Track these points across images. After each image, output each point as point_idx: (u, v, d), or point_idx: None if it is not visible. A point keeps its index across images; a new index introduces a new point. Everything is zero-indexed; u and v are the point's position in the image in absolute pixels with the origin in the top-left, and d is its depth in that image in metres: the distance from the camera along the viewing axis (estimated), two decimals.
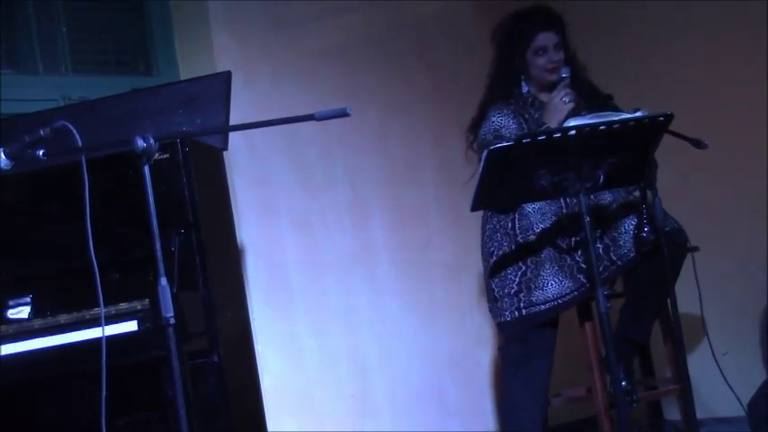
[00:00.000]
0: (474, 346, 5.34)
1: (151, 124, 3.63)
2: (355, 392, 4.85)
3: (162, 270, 2.91)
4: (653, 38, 5.43)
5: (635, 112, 3.71)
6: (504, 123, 4.20)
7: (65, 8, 4.54)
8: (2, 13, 4.40)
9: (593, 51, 4.79)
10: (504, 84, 4.32)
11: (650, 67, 5.40)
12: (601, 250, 4.04)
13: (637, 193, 4.11)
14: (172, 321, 2.91)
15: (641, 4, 5.46)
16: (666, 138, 3.79)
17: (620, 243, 4.05)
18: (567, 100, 4.10)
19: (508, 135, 4.10)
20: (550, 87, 4.25)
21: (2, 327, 3.33)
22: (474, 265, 5.03)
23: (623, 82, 4.88)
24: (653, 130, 3.69)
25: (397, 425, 4.91)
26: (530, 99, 4.31)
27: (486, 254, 4.27)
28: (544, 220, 4.15)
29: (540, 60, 4.26)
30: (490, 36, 4.40)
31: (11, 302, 3.44)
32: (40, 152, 3.03)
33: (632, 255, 4.02)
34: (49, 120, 3.08)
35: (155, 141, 2.91)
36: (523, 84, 4.33)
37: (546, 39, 4.25)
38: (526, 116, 4.25)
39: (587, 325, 4.15)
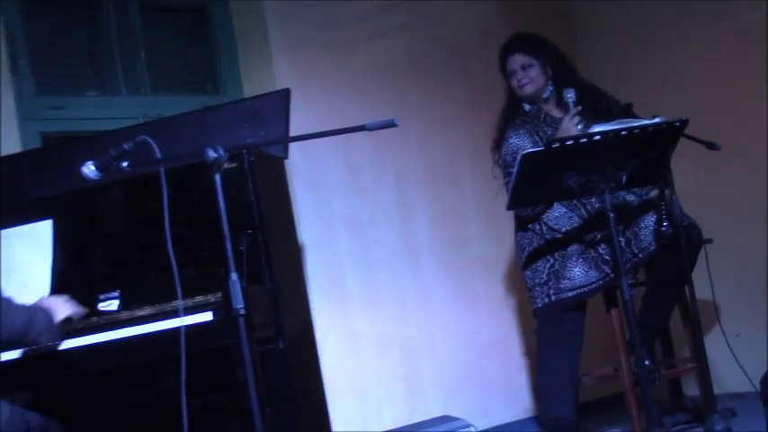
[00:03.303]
0: (511, 331, 5.42)
1: (220, 137, 3.64)
2: (405, 374, 4.98)
3: (232, 267, 3.01)
4: (653, 39, 5.49)
5: (653, 118, 3.85)
6: (520, 144, 4.31)
7: (144, 36, 4.70)
8: (90, 42, 4.60)
9: (597, 55, 4.96)
10: (512, 108, 4.45)
11: (650, 70, 5.47)
12: (623, 243, 4.15)
13: (653, 193, 4.24)
14: (242, 312, 3.01)
15: (640, 4, 5.53)
16: (680, 141, 3.93)
17: (641, 237, 4.20)
18: (579, 126, 4.16)
19: None
20: (557, 100, 4.38)
21: (93, 318, 3.48)
22: (509, 258, 5.24)
23: (624, 83, 4.97)
24: (670, 134, 3.83)
25: (443, 402, 4.98)
26: (541, 116, 4.41)
27: (519, 249, 4.43)
28: (571, 224, 4.29)
29: (513, 82, 4.42)
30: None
31: (101, 296, 3.57)
32: (125, 164, 3.15)
33: (653, 248, 4.18)
34: (132, 135, 3.20)
35: (224, 152, 3.00)
36: (525, 104, 4.46)
37: (513, 62, 4.42)
38: (540, 134, 4.36)
39: (613, 311, 4.28)
